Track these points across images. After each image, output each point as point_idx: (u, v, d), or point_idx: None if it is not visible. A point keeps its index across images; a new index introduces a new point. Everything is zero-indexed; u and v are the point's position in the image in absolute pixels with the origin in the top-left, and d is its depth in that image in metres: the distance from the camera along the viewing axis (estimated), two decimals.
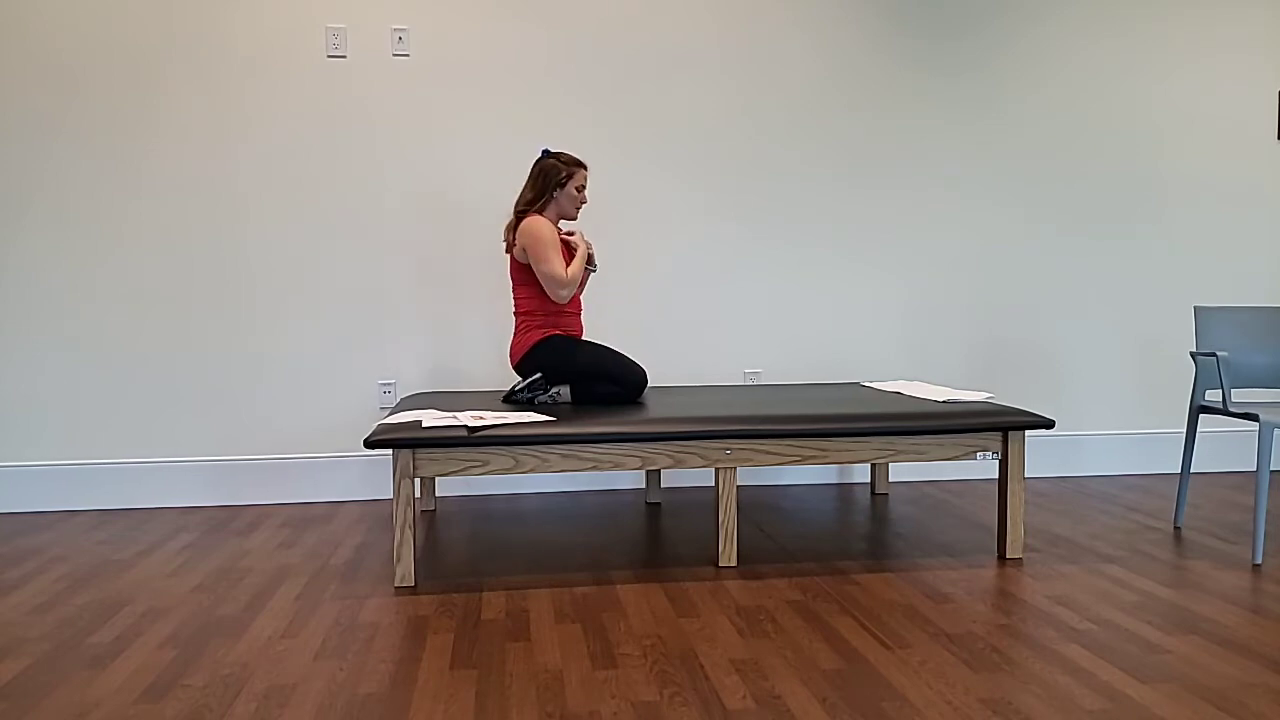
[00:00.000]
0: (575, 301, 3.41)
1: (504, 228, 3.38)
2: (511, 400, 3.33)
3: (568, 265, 3.30)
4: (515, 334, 3.37)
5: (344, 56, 3.87)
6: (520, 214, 3.33)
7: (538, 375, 3.31)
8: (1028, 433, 4.29)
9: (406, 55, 3.90)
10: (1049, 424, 2.99)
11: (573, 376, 3.30)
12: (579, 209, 3.42)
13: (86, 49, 3.76)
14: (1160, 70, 4.32)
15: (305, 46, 3.85)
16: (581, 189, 3.37)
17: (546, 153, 3.37)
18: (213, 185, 3.85)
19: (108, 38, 3.76)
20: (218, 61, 3.82)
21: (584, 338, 3.56)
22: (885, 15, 4.14)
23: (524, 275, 3.33)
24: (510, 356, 3.38)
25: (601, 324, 4.04)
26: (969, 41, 4.20)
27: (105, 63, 3.77)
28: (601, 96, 4.01)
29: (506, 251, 3.38)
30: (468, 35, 3.93)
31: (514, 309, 3.41)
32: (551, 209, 3.36)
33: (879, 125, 4.17)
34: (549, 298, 3.31)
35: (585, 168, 3.38)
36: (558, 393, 3.31)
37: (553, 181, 3.32)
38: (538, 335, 3.30)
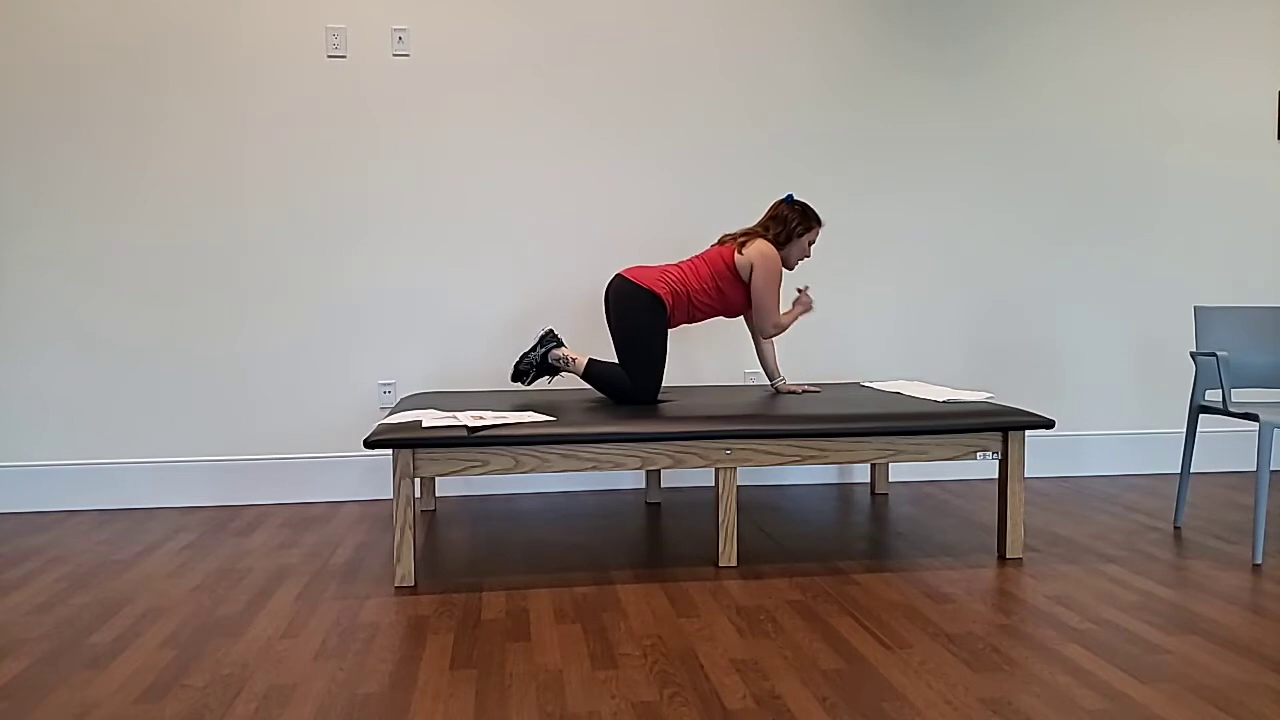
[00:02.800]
0: (706, 310, 3.38)
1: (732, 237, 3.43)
2: (522, 368, 3.34)
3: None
4: (654, 268, 3.35)
5: (344, 56, 3.87)
6: (761, 237, 3.36)
7: (549, 328, 3.36)
8: (1028, 433, 4.29)
9: (406, 55, 3.90)
10: (1049, 424, 2.99)
11: (621, 329, 3.26)
12: (798, 263, 3.52)
13: (86, 49, 3.76)
14: (1160, 71, 4.32)
15: (305, 46, 3.85)
16: (812, 244, 3.45)
17: (791, 199, 3.41)
18: (213, 185, 3.85)
19: (108, 38, 3.76)
20: (218, 61, 3.82)
21: (669, 331, 3.53)
22: (886, 18, 4.14)
23: (723, 271, 3.32)
24: (625, 271, 3.33)
25: (601, 322, 4.04)
26: (969, 44, 4.20)
27: (105, 63, 3.77)
28: (601, 97, 4.01)
29: (720, 243, 3.41)
30: (468, 35, 3.93)
31: (680, 263, 3.39)
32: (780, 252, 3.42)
33: (879, 126, 4.17)
34: (712, 297, 3.33)
35: (822, 225, 3.46)
36: (574, 359, 3.31)
37: (790, 231, 3.38)
38: (663, 291, 3.26)
